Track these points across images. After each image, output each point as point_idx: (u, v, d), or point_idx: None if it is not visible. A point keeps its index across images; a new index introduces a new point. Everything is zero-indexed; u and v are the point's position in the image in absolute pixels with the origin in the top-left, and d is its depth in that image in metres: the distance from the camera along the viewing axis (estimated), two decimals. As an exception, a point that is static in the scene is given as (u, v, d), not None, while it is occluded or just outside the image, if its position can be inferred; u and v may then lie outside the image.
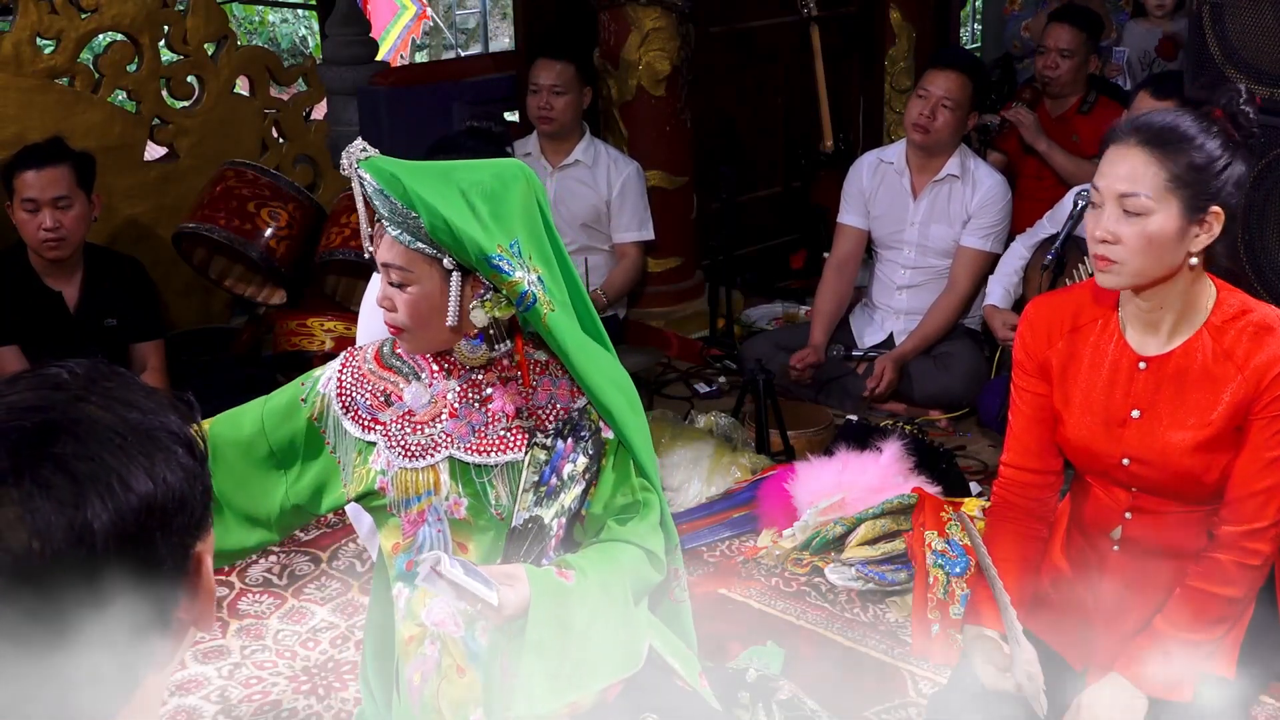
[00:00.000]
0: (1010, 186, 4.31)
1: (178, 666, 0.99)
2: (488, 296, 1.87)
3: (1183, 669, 1.98)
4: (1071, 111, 4.60)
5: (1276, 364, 1.90)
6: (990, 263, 4.10)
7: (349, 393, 1.97)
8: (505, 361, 1.96)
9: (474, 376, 1.96)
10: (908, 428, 3.70)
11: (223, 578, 3.22)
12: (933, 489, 3.25)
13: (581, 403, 1.98)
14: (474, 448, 1.93)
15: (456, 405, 1.95)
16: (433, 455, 1.93)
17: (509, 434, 1.95)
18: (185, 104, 4.46)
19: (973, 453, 3.81)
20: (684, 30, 4.66)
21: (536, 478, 1.92)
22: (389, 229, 1.84)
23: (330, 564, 3.30)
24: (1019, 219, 4.24)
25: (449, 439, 1.93)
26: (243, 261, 4.02)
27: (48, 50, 4.09)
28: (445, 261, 1.85)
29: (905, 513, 3.14)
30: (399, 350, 2.00)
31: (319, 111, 5.08)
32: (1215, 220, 1.89)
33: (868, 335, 4.31)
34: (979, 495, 3.36)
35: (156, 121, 4.40)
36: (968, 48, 7.89)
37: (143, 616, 0.91)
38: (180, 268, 4.17)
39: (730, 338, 4.60)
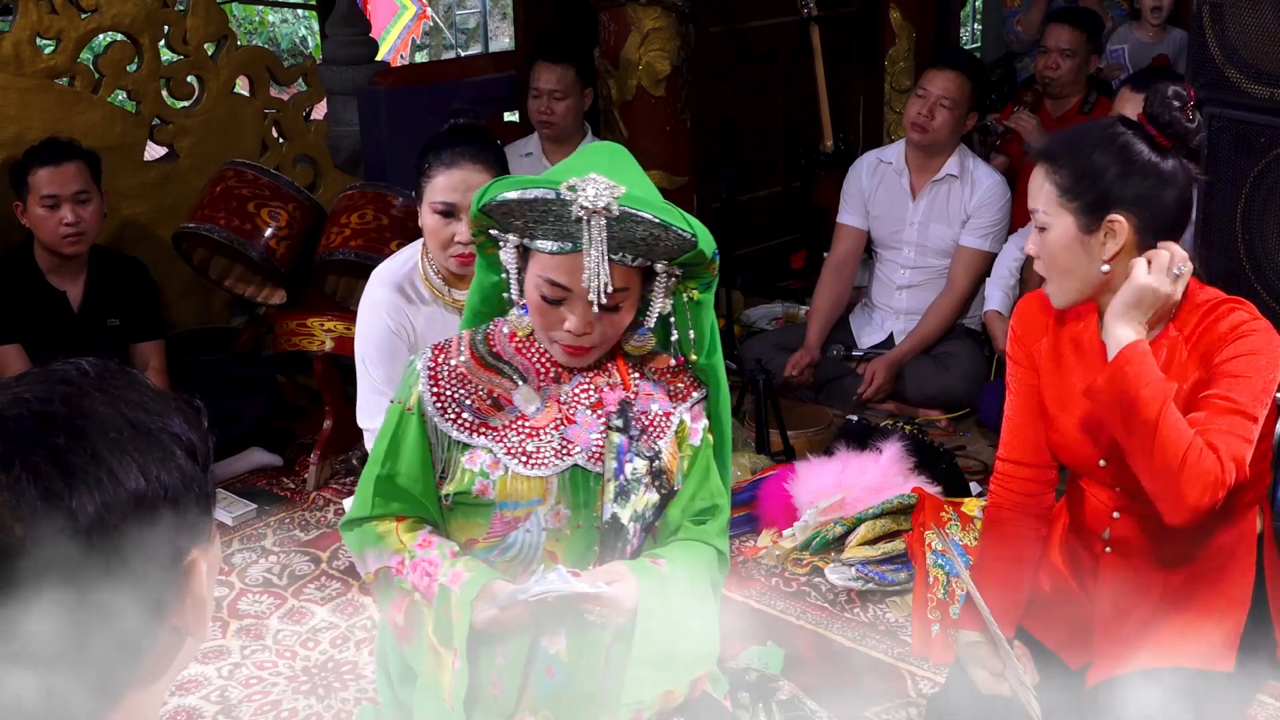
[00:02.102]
0: (1012, 189, 4.32)
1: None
2: (668, 283, 1.83)
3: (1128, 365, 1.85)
4: (1073, 112, 4.60)
5: (1225, 337, 1.89)
6: (989, 262, 4.11)
7: (446, 393, 1.89)
8: (610, 365, 1.92)
9: (583, 380, 1.91)
10: (908, 428, 3.70)
11: (222, 578, 3.22)
12: (933, 489, 3.25)
13: (684, 408, 1.93)
14: (596, 456, 1.87)
15: (574, 411, 1.89)
16: (557, 463, 1.87)
17: None
18: (185, 104, 4.46)
19: (973, 453, 3.82)
20: (684, 30, 4.66)
21: (615, 464, 1.86)
22: (612, 257, 1.74)
23: (330, 564, 3.30)
24: (1023, 220, 4.24)
25: (570, 446, 1.87)
26: (243, 261, 4.02)
27: (48, 50, 4.08)
28: (658, 266, 1.80)
29: (905, 513, 3.15)
30: (497, 349, 1.92)
31: (319, 111, 5.08)
32: (1119, 228, 1.90)
33: (867, 335, 4.32)
34: (979, 495, 3.36)
35: (156, 121, 4.39)
36: (968, 48, 7.89)
37: (129, 615, 0.91)
38: (180, 268, 4.17)
39: (730, 338, 4.60)
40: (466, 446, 1.87)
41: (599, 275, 1.72)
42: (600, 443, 1.88)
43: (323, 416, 3.81)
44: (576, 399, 1.90)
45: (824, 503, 3.24)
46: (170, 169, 4.40)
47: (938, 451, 3.54)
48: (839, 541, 3.19)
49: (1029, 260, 3.88)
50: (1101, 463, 2.03)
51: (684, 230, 1.73)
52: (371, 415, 2.79)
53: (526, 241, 1.79)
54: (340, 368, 3.79)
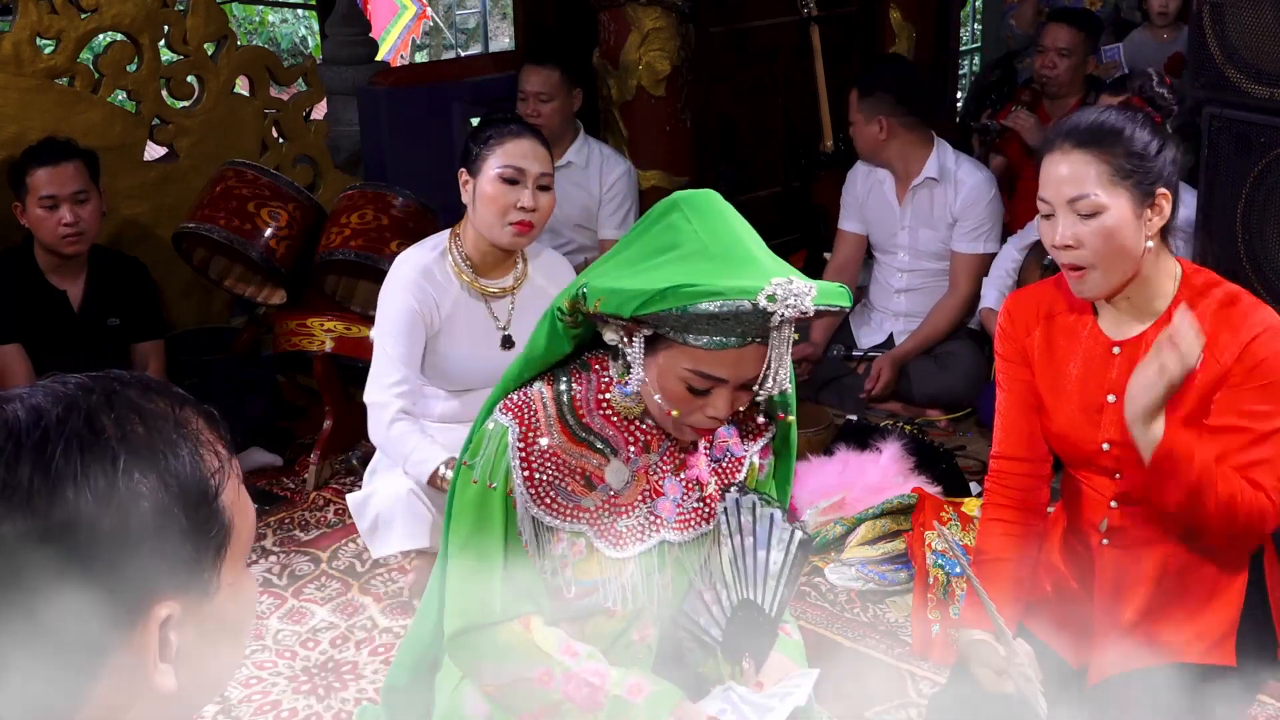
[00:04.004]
0: (1011, 189, 4.31)
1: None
2: None
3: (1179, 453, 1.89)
4: (1071, 112, 4.59)
5: (1242, 340, 1.92)
6: (988, 261, 4.10)
7: (539, 477, 1.77)
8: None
9: (670, 445, 1.83)
10: (908, 428, 3.70)
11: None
12: (933, 489, 3.25)
13: (754, 449, 1.89)
14: (682, 524, 1.81)
15: (661, 481, 1.82)
16: (644, 541, 1.80)
17: (700, 504, 1.84)
18: (185, 104, 4.46)
19: (973, 453, 3.81)
20: (684, 30, 4.66)
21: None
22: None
23: (330, 564, 3.30)
24: (1021, 220, 4.24)
25: (658, 521, 1.81)
26: (243, 261, 4.02)
27: (48, 50, 4.08)
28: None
29: (905, 513, 3.15)
30: (586, 420, 1.79)
31: (319, 111, 5.07)
32: (1164, 201, 1.94)
33: (866, 336, 4.32)
34: (979, 495, 3.36)
35: (156, 121, 4.39)
36: (967, 48, 7.89)
37: (64, 644, 0.87)
38: (180, 268, 4.17)
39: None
40: (552, 530, 1.78)
41: (781, 373, 1.67)
42: (683, 510, 1.82)
43: (323, 416, 3.81)
44: (663, 468, 1.83)
45: (824, 503, 3.24)
46: (170, 169, 4.40)
47: (938, 451, 3.54)
48: (839, 541, 3.19)
49: (1026, 262, 3.92)
50: (1105, 445, 2.03)
51: (847, 306, 1.69)
52: (378, 391, 2.81)
53: (667, 332, 1.66)
54: (340, 368, 3.79)
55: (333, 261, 3.71)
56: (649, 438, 1.81)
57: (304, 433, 4.01)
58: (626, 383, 1.74)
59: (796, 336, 1.69)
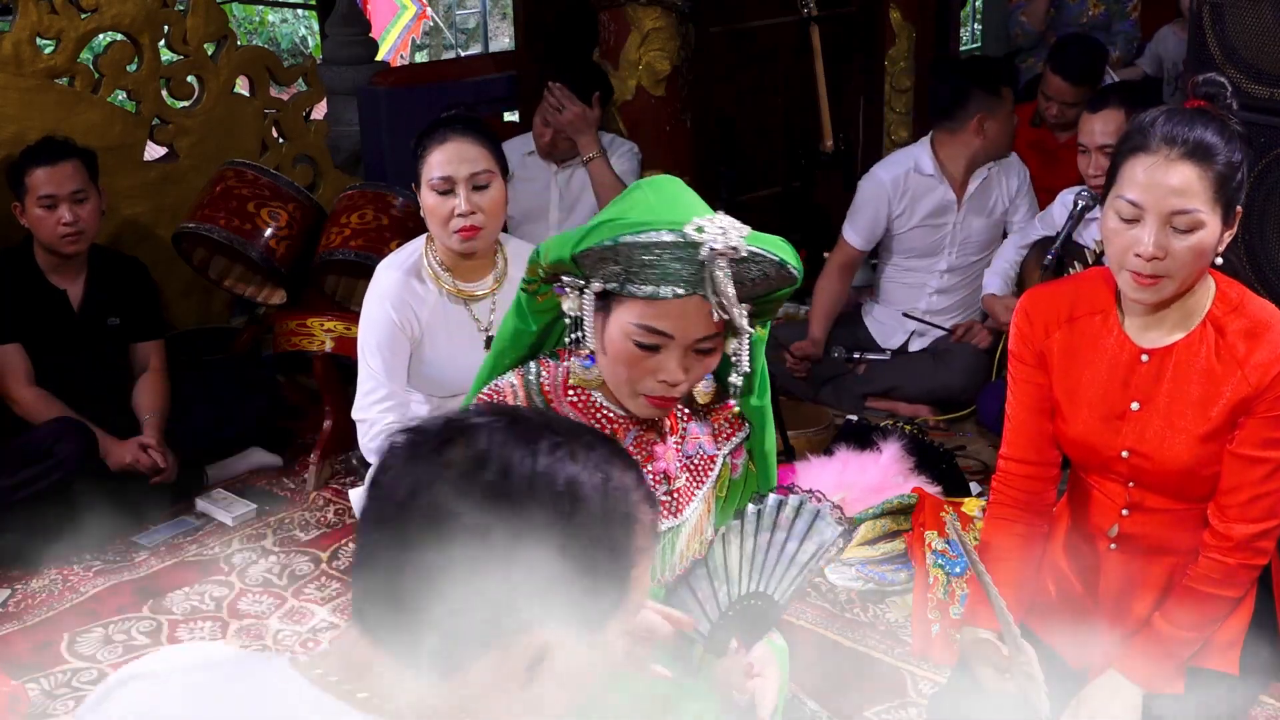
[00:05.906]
0: None
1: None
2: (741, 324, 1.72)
3: (1178, 664, 1.99)
4: (1072, 139, 4.53)
5: (1276, 363, 1.90)
6: None
7: None
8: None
9: (637, 435, 1.80)
10: (907, 428, 3.70)
11: (222, 578, 3.23)
12: (933, 489, 3.25)
13: (727, 449, 1.87)
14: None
15: None
16: None
17: (668, 497, 1.80)
18: (185, 104, 4.46)
19: (973, 453, 3.81)
20: (684, 30, 4.66)
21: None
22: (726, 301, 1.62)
23: (330, 564, 3.30)
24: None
25: None
26: (243, 261, 4.02)
27: (48, 50, 4.08)
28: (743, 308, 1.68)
29: (905, 513, 3.14)
30: (553, 404, 1.79)
31: (319, 111, 5.07)
32: (1238, 219, 1.91)
33: (886, 337, 4.28)
34: (979, 495, 3.36)
35: (156, 121, 4.39)
36: (967, 48, 7.90)
37: (459, 626, 1.02)
38: (180, 268, 4.17)
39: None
40: None
41: (734, 308, 1.61)
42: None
43: (323, 416, 3.81)
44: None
45: (824, 503, 3.24)
46: (170, 169, 4.40)
47: (938, 451, 3.54)
48: (839, 541, 3.18)
49: (1026, 262, 3.91)
50: (1124, 453, 2.02)
51: (795, 267, 1.63)
52: (363, 409, 2.80)
53: (614, 287, 1.65)
54: (340, 368, 3.79)
55: (333, 261, 3.71)
56: (614, 426, 1.79)
57: (304, 433, 4.01)
58: (585, 354, 1.74)
59: (782, 318, 1.67)
